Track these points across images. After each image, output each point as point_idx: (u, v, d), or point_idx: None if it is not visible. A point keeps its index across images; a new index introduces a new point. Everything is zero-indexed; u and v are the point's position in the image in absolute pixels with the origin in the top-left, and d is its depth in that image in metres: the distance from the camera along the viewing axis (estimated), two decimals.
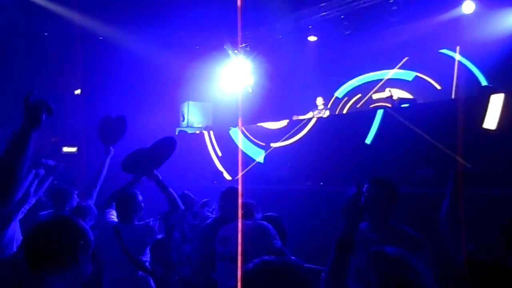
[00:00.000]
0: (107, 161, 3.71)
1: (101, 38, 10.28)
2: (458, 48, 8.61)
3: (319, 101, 9.22)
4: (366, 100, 10.01)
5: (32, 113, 1.49)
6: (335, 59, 9.82)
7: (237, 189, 3.14)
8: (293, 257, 3.26)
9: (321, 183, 6.10)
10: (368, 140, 6.31)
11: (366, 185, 2.43)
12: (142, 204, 3.24)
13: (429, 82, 9.03)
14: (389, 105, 7.97)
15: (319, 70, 9.87)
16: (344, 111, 10.20)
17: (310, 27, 9.60)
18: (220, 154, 8.67)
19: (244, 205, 2.78)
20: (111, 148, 3.69)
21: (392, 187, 2.43)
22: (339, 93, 10.58)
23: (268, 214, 2.90)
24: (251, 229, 2.61)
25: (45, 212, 3.96)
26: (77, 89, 12.86)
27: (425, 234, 2.38)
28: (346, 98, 10.47)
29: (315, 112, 9.07)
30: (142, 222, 3.17)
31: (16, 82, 10.22)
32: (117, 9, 9.42)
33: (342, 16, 9.04)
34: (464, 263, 1.90)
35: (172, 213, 3.19)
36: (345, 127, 6.80)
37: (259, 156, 7.90)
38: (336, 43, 9.57)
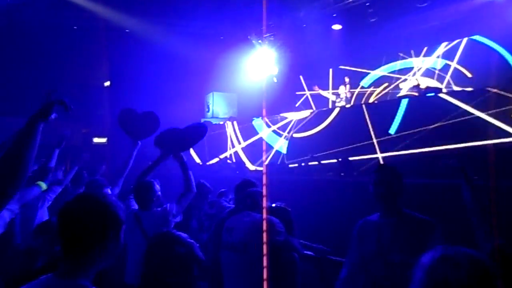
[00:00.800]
0: (134, 153, 3.82)
1: (127, 31, 10.49)
2: (490, 34, 8.26)
3: (342, 90, 9.11)
4: (393, 89, 9.78)
5: (45, 107, 1.55)
6: (360, 48, 9.62)
7: (251, 181, 3.18)
8: (322, 246, 3.29)
9: (342, 174, 6.06)
10: (392, 130, 6.19)
11: (376, 173, 2.46)
12: (159, 193, 3.35)
13: (459, 70, 8.72)
14: (416, 94, 7.78)
15: (343, 59, 9.72)
16: (370, 101, 10.02)
17: (334, 15, 9.44)
18: (243, 144, 8.73)
19: (252, 194, 2.80)
20: (138, 141, 3.80)
21: (399, 175, 2.46)
22: (365, 82, 10.38)
23: (274, 205, 2.90)
24: (256, 222, 2.64)
25: None
26: (106, 81, 13.23)
27: (449, 224, 2.37)
28: (372, 88, 10.27)
29: (337, 100, 9.01)
30: (160, 208, 3.28)
31: (48, 75, 10.61)
32: (143, 2, 9.58)
33: (367, 4, 8.83)
34: (490, 255, 1.86)
35: (186, 194, 3.29)
36: (368, 117, 6.69)
37: (282, 146, 7.91)
38: (361, 31, 9.37)
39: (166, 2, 9.67)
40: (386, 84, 9.97)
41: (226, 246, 2.71)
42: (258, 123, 8.55)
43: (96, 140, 12.24)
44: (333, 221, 4.90)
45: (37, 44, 10.62)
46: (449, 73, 8.81)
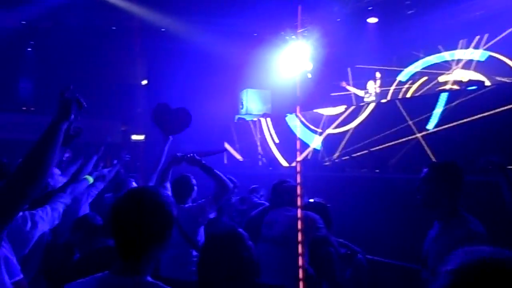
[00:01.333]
0: (166, 149, 3.91)
1: (163, 30, 10.72)
2: None
3: (370, 85, 8.91)
4: (433, 83, 9.43)
5: (64, 106, 1.56)
6: (397, 41, 9.34)
7: (286, 180, 3.19)
8: (354, 246, 3.26)
9: (377, 170, 5.93)
10: (430, 126, 5.99)
11: (425, 170, 2.29)
12: (195, 187, 3.44)
13: (505, 62, 8.28)
14: (457, 87, 7.47)
15: (379, 53, 9.47)
16: (408, 95, 9.71)
17: (370, 8, 9.22)
18: (277, 140, 8.73)
19: (289, 190, 2.81)
20: (170, 137, 3.88)
21: (453, 173, 2.25)
22: (403, 76, 10.07)
23: (312, 200, 2.91)
24: (297, 217, 2.66)
25: (109, 194, 4.29)
26: (144, 80, 13.60)
27: (489, 224, 2.24)
28: (410, 82, 9.96)
29: (366, 95, 8.84)
30: (195, 203, 3.36)
31: (88, 74, 11.04)
32: (178, 2, 9.75)
33: None
34: None
35: (222, 192, 3.32)
36: (405, 112, 6.50)
37: (316, 142, 7.84)
38: (398, 23, 9.10)
39: (200, 1, 9.80)
40: (425, 78, 9.63)
41: (265, 240, 2.76)
42: (291, 119, 8.52)
43: (134, 137, 12.63)
44: (366, 219, 4.82)
45: (79, 45, 11.06)
46: (492, 65, 8.39)
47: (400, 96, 9.74)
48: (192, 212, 3.33)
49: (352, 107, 7.69)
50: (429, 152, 5.87)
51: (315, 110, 8.27)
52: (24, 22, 10.42)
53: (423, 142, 6.00)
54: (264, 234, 2.79)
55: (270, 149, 8.77)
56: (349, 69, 10.21)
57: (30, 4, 9.73)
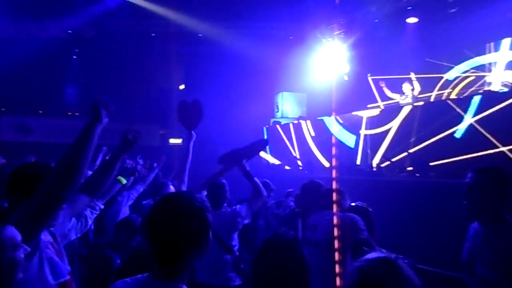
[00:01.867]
0: (191, 146, 3.87)
1: (200, 35, 10.91)
2: None
3: (406, 87, 8.61)
4: (479, 84, 8.98)
5: (94, 110, 1.67)
6: (439, 41, 8.99)
7: (317, 183, 3.16)
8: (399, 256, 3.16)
9: (417, 175, 5.72)
10: (458, 134, 5.69)
11: (469, 175, 2.24)
12: (228, 193, 3.47)
13: None
14: (505, 89, 7.11)
15: (420, 54, 9.16)
16: (452, 96, 9.28)
17: (409, 8, 8.95)
18: (314, 143, 8.63)
19: (330, 193, 2.78)
20: (192, 132, 3.85)
21: (500, 178, 2.18)
22: (450, 76, 9.60)
23: (355, 204, 2.85)
24: (339, 220, 2.62)
25: (146, 201, 4.38)
26: (181, 84, 13.90)
27: None
28: (455, 81, 9.51)
29: (402, 97, 8.56)
30: (229, 209, 3.37)
31: (129, 80, 11.41)
32: (214, 7, 9.90)
33: None
34: None
35: (256, 199, 3.39)
36: (443, 115, 6.22)
37: (353, 145, 7.69)
38: (440, 23, 8.77)
39: (236, 6, 9.91)
40: (470, 79, 9.18)
41: (309, 243, 2.76)
42: (330, 121, 8.40)
43: (172, 141, 12.92)
44: (406, 225, 4.65)
45: (120, 52, 11.47)
46: None
47: (443, 96, 9.33)
48: (227, 218, 3.35)
49: (383, 109, 7.48)
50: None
51: (352, 113, 8.12)
52: (70, 31, 10.93)
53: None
54: (308, 237, 2.79)
55: (307, 152, 8.67)
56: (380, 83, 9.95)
57: (75, 14, 10.21)
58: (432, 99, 8.94)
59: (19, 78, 11.30)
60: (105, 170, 2.25)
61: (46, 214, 1.47)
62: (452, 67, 9.43)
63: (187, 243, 1.36)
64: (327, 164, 8.03)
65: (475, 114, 5.61)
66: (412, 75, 8.91)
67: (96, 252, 2.85)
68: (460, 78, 9.32)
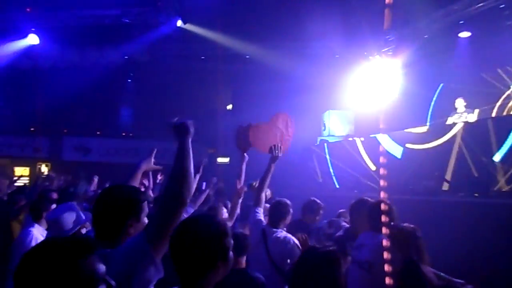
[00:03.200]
0: (243, 167, 4.00)
1: (247, 56, 11.18)
2: None
3: (459, 103, 8.17)
4: None
5: (179, 129, 1.76)
6: (493, 55, 8.56)
7: (366, 200, 3.09)
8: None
9: (476, 194, 5.40)
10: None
11: None
12: (291, 212, 3.42)
13: None
14: None
15: (473, 69, 8.77)
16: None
17: (461, 22, 8.64)
18: (372, 164, 8.40)
19: (377, 214, 2.71)
20: (245, 154, 3.97)
21: None
22: None
23: (401, 226, 2.76)
24: (382, 243, 2.55)
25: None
26: (228, 104, 14.24)
27: None
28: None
29: (455, 117, 8.10)
30: (289, 237, 3.25)
31: (179, 101, 11.88)
32: (259, 28, 10.15)
33: (502, 6, 7.88)
34: None
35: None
36: (497, 132, 5.86)
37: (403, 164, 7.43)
38: (494, 36, 8.38)
39: (282, 26, 10.08)
40: None
41: (354, 262, 2.72)
42: (382, 139, 8.20)
43: (220, 160, 13.18)
44: (462, 249, 4.40)
45: (171, 75, 12.03)
46: None
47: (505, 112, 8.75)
48: (283, 244, 3.21)
49: (431, 125, 7.16)
50: None
51: (403, 130, 7.89)
52: (126, 57, 11.65)
53: None
54: (354, 256, 2.76)
55: (358, 170, 8.46)
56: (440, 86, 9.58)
57: (131, 41, 10.89)
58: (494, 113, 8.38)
59: (79, 102, 12.14)
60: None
61: (173, 218, 1.58)
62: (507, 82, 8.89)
63: (203, 265, 1.47)
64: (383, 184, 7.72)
65: None
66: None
67: None
68: None
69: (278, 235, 3.27)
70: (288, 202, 3.46)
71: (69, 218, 2.62)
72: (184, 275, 1.47)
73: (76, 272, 1.00)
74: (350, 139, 9.85)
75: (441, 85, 9.52)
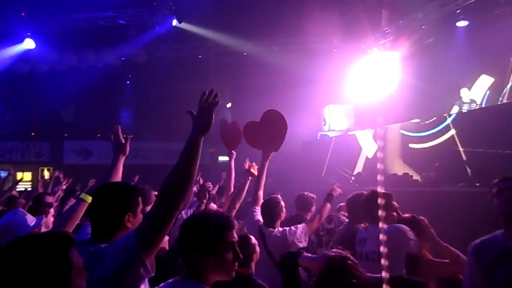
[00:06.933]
0: (232, 164, 3.96)
1: (245, 54, 11.15)
2: None
3: (464, 92, 8.15)
4: None
5: (202, 121, 1.70)
6: (492, 43, 8.49)
7: (361, 194, 3.08)
8: None
9: (477, 184, 5.38)
10: None
11: (499, 184, 2.11)
12: (284, 210, 3.37)
13: None
14: None
15: (472, 58, 8.73)
16: None
17: (458, 11, 8.60)
18: (369, 155, 8.41)
19: (377, 206, 2.70)
20: (233, 151, 3.94)
21: None
22: None
23: (403, 216, 2.75)
24: (387, 232, 2.55)
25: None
26: (228, 103, 14.21)
27: None
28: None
29: (463, 107, 8.10)
30: (287, 229, 3.24)
31: (177, 100, 11.87)
32: (257, 26, 10.12)
33: None
34: None
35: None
36: (503, 120, 5.83)
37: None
38: (492, 24, 8.33)
39: (280, 23, 10.05)
40: None
41: (360, 257, 2.71)
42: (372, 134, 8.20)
43: (221, 158, 13.16)
44: (465, 240, 4.37)
45: (169, 74, 11.98)
46: None
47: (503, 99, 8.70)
48: (281, 238, 3.20)
49: (432, 119, 7.14)
50: None
51: (402, 123, 7.87)
52: (123, 59, 11.63)
53: None
54: (358, 252, 2.75)
55: (356, 165, 8.47)
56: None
57: (128, 42, 10.87)
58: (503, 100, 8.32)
59: (79, 105, 12.13)
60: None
61: (167, 222, 1.54)
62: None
63: (197, 249, 1.58)
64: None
65: None
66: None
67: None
68: None
69: (276, 233, 3.25)
70: (278, 198, 3.39)
71: (20, 223, 2.44)
72: (185, 260, 1.63)
73: (63, 262, 1.11)
74: (351, 132, 9.84)
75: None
